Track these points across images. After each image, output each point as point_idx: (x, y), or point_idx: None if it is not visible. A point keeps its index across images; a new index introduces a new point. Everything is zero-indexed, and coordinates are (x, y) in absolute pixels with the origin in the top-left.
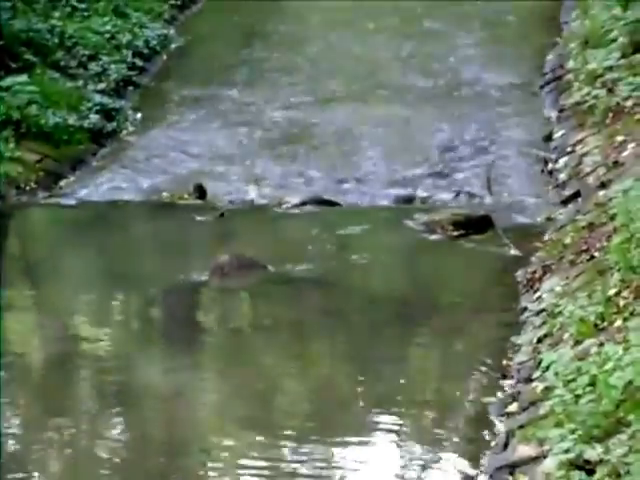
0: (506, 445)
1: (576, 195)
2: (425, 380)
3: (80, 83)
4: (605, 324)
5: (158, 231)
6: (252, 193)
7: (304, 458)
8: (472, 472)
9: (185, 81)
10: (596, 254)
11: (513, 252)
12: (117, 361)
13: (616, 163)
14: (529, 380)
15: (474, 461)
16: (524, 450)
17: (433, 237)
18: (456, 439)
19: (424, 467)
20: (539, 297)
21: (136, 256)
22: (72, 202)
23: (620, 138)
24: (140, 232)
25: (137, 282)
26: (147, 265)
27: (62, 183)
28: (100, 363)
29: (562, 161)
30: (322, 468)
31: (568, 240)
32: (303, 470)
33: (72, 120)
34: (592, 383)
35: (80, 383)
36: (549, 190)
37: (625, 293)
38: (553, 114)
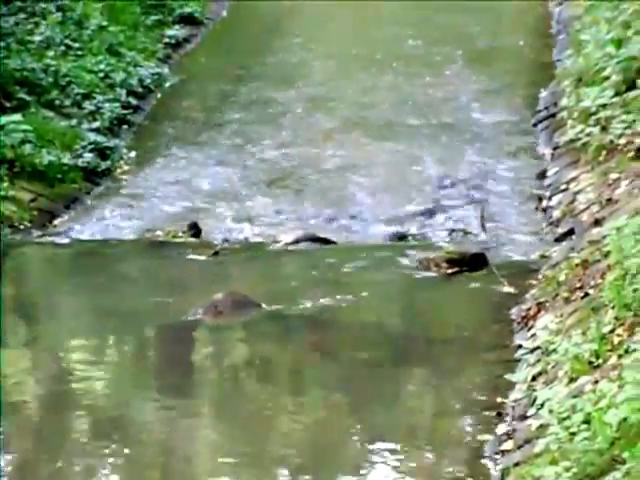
0: None
1: (570, 232)
2: (420, 418)
3: (74, 122)
4: (600, 361)
5: (152, 269)
6: (246, 231)
7: None
8: None
9: (179, 120)
10: (590, 291)
11: (507, 289)
12: (111, 400)
13: (610, 200)
14: (524, 418)
15: None
16: None
17: (427, 274)
18: (451, 477)
19: None
20: (534, 334)
21: (130, 294)
22: (66, 241)
23: (614, 176)
24: (134, 270)
25: (131, 320)
26: (141, 303)
27: (56, 222)
28: (94, 402)
29: (556, 198)
30: None
31: (562, 277)
32: None
33: (66, 159)
34: (587, 421)
35: (74, 422)
36: (543, 227)
37: (619, 330)
38: (547, 151)
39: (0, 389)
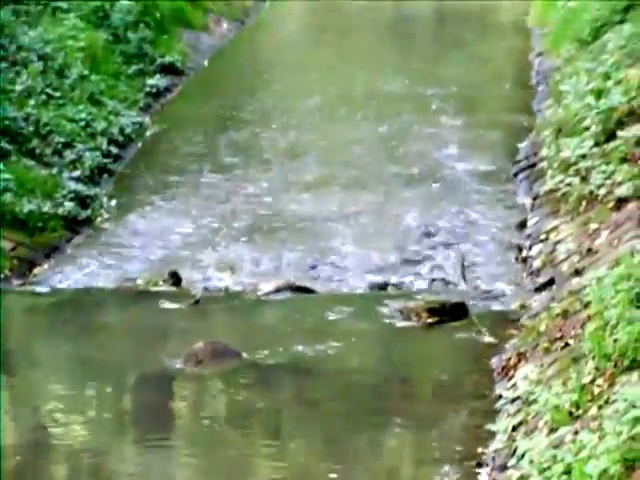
0: None
1: (550, 282)
2: (400, 467)
3: (55, 170)
4: (580, 412)
5: (132, 318)
6: (226, 280)
7: None
8: None
9: (160, 168)
10: (571, 342)
11: (488, 339)
12: (90, 449)
13: (590, 251)
14: (504, 468)
15: None
16: None
17: (408, 324)
18: None
19: None
20: (514, 384)
21: (110, 343)
22: (46, 289)
23: (594, 226)
24: (114, 319)
25: (111, 369)
26: (121, 352)
27: (36, 271)
28: (73, 452)
29: (536, 248)
30: None
31: (543, 327)
32: None
33: (47, 207)
34: (567, 471)
35: (52, 472)
36: (523, 277)
37: (600, 381)
38: (527, 201)
39: None
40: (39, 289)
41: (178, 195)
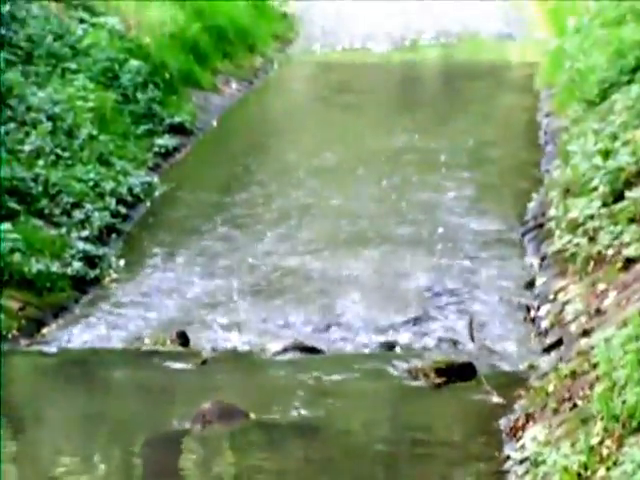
0: None
1: (558, 343)
2: None
3: (63, 230)
4: (589, 473)
5: (140, 378)
6: (234, 340)
7: None
8: None
9: (168, 228)
10: (579, 402)
11: (496, 400)
12: None
13: (598, 311)
14: None
15: None
16: None
17: (415, 384)
18: None
19: None
20: (522, 446)
21: (118, 404)
22: (54, 350)
23: (602, 286)
24: (122, 380)
25: (119, 430)
26: (129, 413)
27: (44, 331)
28: None
29: (544, 308)
30: None
31: (551, 388)
32: None
33: (55, 267)
34: None
35: None
36: (531, 337)
37: (608, 442)
38: (535, 262)
39: None
40: (47, 349)
41: (186, 255)
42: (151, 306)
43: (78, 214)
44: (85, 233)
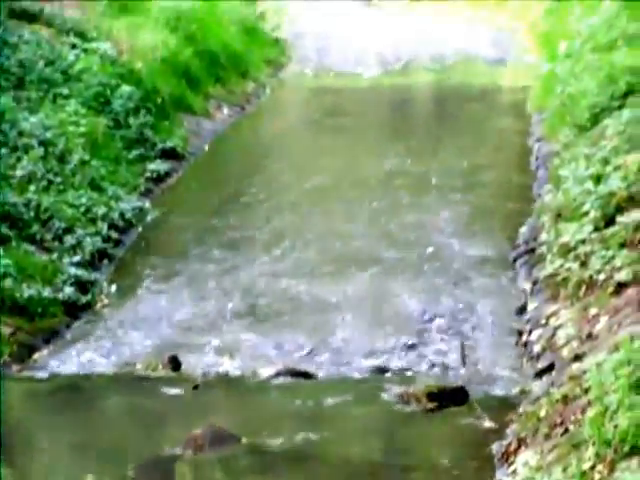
0: None
1: (550, 367)
2: None
3: (55, 256)
4: None
5: (132, 404)
6: (226, 364)
7: None
8: None
9: (160, 253)
10: (571, 427)
11: (488, 424)
12: None
13: (590, 336)
14: None
15: None
16: None
17: (408, 409)
18: None
19: None
20: (514, 470)
21: (109, 429)
22: (45, 375)
23: (593, 311)
24: (113, 405)
25: (111, 456)
26: (120, 438)
27: (36, 356)
28: None
29: (536, 333)
30: None
31: (543, 413)
32: None
33: (47, 293)
34: None
35: None
36: (523, 362)
37: (600, 467)
38: (527, 286)
39: None
40: (38, 374)
41: (178, 279)
42: (143, 331)
43: (70, 239)
44: (77, 258)
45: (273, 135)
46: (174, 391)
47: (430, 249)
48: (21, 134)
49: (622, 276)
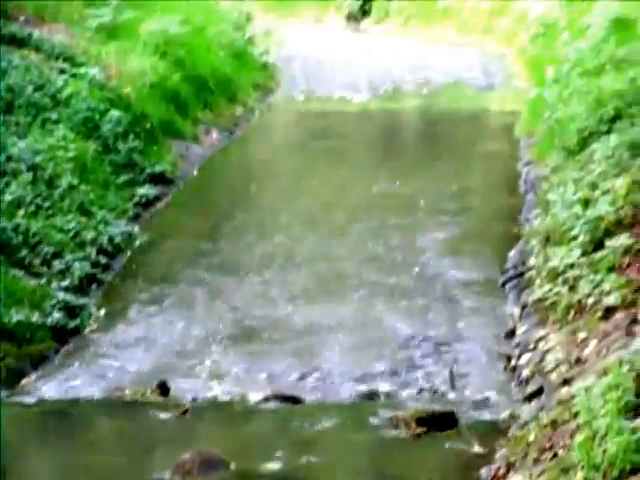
0: None
1: (539, 392)
2: None
3: (44, 280)
4: None
5: (120, 429)
6: (215, 389)
7: None
8: None
9: (149, 278)
10: (560, 452)
11: (477, 449)
12: None
13: (578, 360)
14: None
15: None
16: None
17: (396, 434)
18: None
19: None
20: None
21: (97, 455)
22: (33, 400)
23: (582, 335)
24: (102, 431)
25: None
26: (109, 464)
27: (24, 381)
28: None
29: (525, 357)
30: None
31: (532, 437)
32: None
33: (35, 318)
34: None
35: None
36: (512, 386)
37: None
38: (515, 310)
39: None
40: (27, 400)
41: (167, 304)
42: (131, 356)
43: (58, 264)
44: (65, 283)
45: (262, 159)
46: (163, 416)
47: (419, 272)
48: (10, 159)
49: (611, 300)
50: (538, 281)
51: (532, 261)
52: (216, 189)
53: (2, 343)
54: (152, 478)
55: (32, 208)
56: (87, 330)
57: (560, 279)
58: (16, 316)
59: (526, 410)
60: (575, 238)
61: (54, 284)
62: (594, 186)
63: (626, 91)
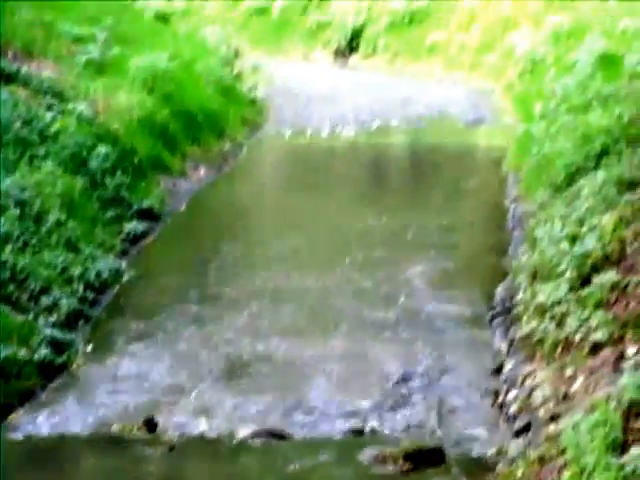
0: None
1: (527, 428)
2: None
3: (31, 316)
4: None
5: (107, 466)
6: (202, 425)
7: None
8: None
9: (136, 313)
10: None
11: None
12: None
13: (566, 396)
14: None
15: None
16: None
17: (384, 470)
18: None
19: None
20: None
21: None
22: (20, 437)
23: (569, 371)
24: (88, 467)
25: None
26: None
27: (10, 417)
28: None
29: (512, 393)
30: None
31: (519, 473)
32: None
33: (22, 353)
34: None
35: None
36: (500, 422)
37: None
38: (503, 346)
39: None
40: (13, 436)
41: (154, 340)
42: (118, 392)
43: (46, 300)
44: (53, 319)
45: (250, 194)
46: (150, 452)
47: (406, 307)
48: None
49: (598, 336)
50: (525, 317)
51: (520, 297)
52: (204, 224)
53: None
54: None
55: (19, 244)
56: (74, 366)
57: (547, 315)
58: (3, 352)
59: (514, 446)
60: (562, 274)
61: (41, 320)
62: (581, 222)
63: (613, 127)
